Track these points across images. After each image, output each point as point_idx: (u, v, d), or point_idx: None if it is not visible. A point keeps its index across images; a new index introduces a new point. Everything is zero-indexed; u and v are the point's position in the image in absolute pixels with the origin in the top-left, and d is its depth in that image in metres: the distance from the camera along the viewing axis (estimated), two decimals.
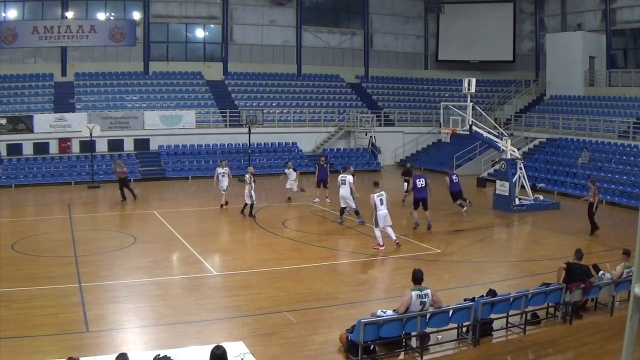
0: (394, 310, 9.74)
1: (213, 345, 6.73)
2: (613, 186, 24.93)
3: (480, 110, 25.62)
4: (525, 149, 31.97)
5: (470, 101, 22.63)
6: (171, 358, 7.28)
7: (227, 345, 6.84)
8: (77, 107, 32.62)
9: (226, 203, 22.07)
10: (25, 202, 24.96)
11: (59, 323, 10.65)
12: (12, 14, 34.37)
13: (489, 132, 23.60)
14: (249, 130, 30.83)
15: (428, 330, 9.84)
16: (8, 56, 33.72)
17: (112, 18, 36.12)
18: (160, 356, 7.34)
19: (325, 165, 23.49)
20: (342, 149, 36.15)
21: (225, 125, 34.38)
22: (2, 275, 13.44)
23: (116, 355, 6.82)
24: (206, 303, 12.03)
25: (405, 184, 23.37)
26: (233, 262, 15.33)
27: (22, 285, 12.74)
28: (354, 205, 19.37)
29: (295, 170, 23.85)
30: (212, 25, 38.82)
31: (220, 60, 38.64)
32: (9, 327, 10.29)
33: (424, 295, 9.58)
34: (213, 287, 13.33)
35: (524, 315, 10.67)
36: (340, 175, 19.74)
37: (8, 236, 17.37)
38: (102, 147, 31.20)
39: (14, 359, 9.18)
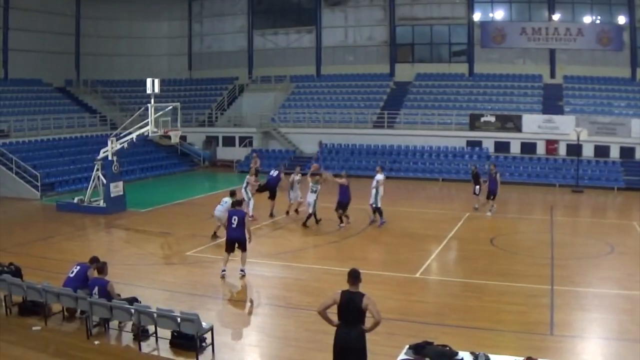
0: None
1: None
2: None
3: None
4: None
5: None
6: None
7: None
8: (566, 109, 32.41)
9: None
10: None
11: (524, 322, 10.71)
12: (499, 14, 36.60)
13: None
14: None
15: None
16: (497, 56, 36.10)
17: (598, 22, 34.63)
18: None
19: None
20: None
21: None
22: (477, 267, 14.48)
23: None
24: None
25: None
26: None
27: (494, 280, 13.33)
28: None
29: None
30: None
31: None
32: (477, 318, 10.89)
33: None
34: None
35: None
36: None
37: (487, 230, 18.56)
38: (588, 151, 30.14)
39: (473, 348, 9.60)
